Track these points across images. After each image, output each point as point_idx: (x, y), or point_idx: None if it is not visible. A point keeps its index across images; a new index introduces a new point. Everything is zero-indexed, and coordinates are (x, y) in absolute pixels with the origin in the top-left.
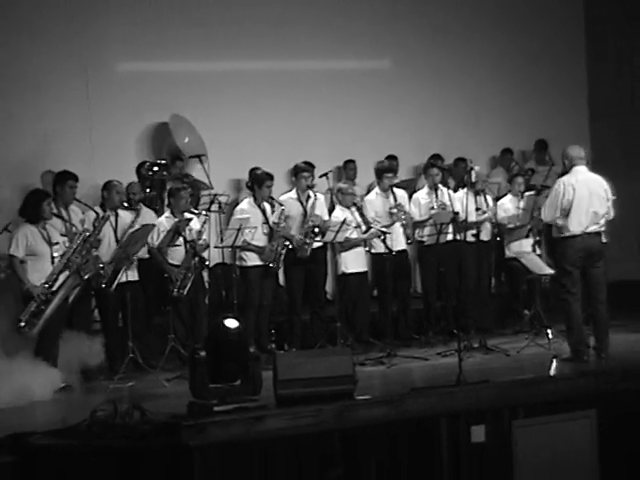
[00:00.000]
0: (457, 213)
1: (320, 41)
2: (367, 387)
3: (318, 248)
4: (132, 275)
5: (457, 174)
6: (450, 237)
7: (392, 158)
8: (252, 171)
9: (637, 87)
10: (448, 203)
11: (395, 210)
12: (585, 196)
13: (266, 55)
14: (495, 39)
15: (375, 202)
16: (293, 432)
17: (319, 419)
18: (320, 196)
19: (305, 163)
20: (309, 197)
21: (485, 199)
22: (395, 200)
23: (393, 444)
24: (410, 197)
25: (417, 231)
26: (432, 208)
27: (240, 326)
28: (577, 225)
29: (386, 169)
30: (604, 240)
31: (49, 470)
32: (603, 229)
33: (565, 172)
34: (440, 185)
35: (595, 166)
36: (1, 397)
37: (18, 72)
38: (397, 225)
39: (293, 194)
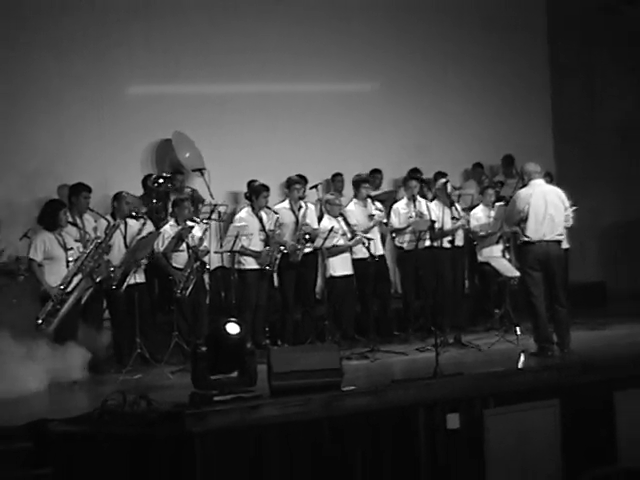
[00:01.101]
0: (434, 222)
1: (312, 67)
2: (353, 379)
3: (309, 253)
4: (140, 277)
5: (434, 186)
6: (428, 243)
7: (377, 172)
8: (250, 183)
9: (598, 107)
10: (425, 212)
11: (376, 212)
12: (541, 206)
13: (262, 79)
14: (468, 65)
15: (355, 211)
16: (285, 419)
17: (309, 408)
18: (310, 206)
19: (297, 176)
20: (301, 207)
21: (456, 208)
22: (374, 205)
23: (376, 431)
24: (390, 207)
25: (397, 238)
26: (410, 217)
27: (241, 331)
28: (534, 232)
29: (363, 180)
30: (566, 246)
31: (65, 454)
32: (562, 237)
33: (524, 185)
34: (418, 196)
35: (559, 180)
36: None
37: (42, 90)
38: (377, 232)
39: (286, 204)
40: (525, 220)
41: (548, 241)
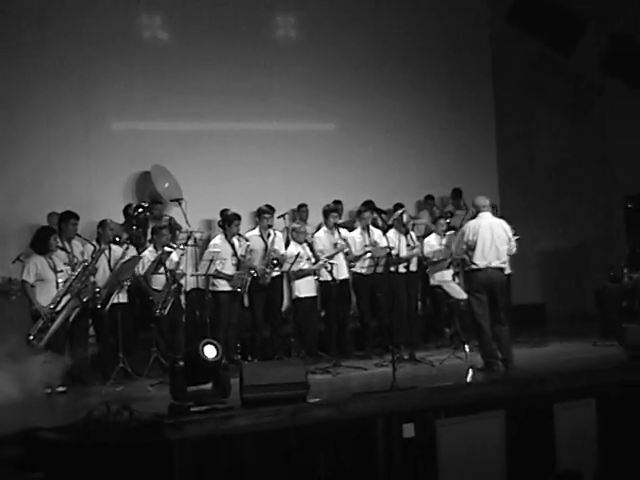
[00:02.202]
0: (392, 249)
1: (278, 108)
2: (317, 392)
3: (276, 276)
4: (123, 297)
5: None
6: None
7: (337, 202)
8: (223, 212)
9: (535, 151)
10: (378, 241)
11: (340, 241)
12: (488, 236)
13: (235, 118)
14: (420, 108)
15: (323, 238)
16: (256, 429)
17: (278, 418)
18: (278, 233)
19: (266, 206)
20: (269, 234)
21: (411, 237)
22: (339, 234)
23: (338, 439)
24: None
25: (357, 264)
26: (365, 245)
27: (217, 355)
28: (481, 259)
29: (331, 210)
30: (509, 272)
31: (54, 460)
32: (505, 265)
33: (474, 217)
34: (371, 226)
35: (502, 211)
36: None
37: (33, 124)
38: (342, 258)
39: (256, 231)
40: (473, 249)
41: (493, 268)
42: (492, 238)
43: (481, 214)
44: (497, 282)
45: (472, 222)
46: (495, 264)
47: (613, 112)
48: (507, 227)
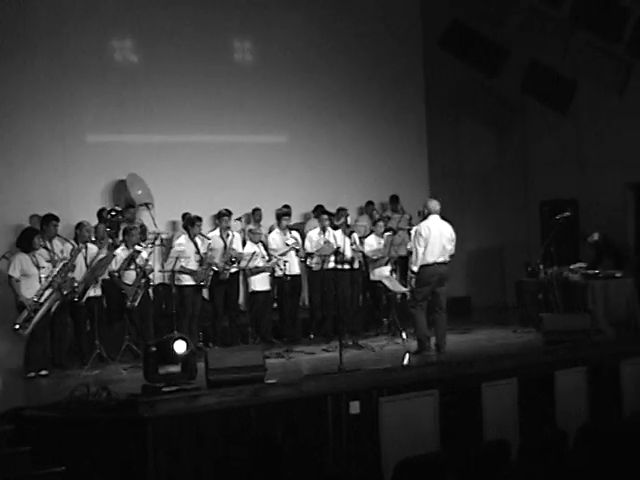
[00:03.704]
0: (339, 247)
1: (237, 122)
2: (273, 374)
3: (235, 272)
4: (97, 291)
5: (339, 219)
6: (332, 265)
7: (287, 207)
8: (184, 215)
9: (463, 160)
10: (332, 241)
11: (291, 241)
12: (437, 236)
13: (198, 131)
14: (362, 123)
15: (276, 238)
16: (220, 407)
17: (239, 397)
18: (236, 234)
19: (225, 210)
20: (228, 235)
21: (354, 239)
22: (291, 234)
23: (293, 416)
24: (302, 236)
25: (308, 260)
26: (321, 242)
27: (187, 349)
28: (431, 256)
29: (284, 214)
30: None
31: (41, 435)
32: (448, 260)
33: (425, 218)
34: (328, 227)
35: None
36: None
37: (15, 140)
38: (293, 256)
39: (217, 232)
40: (425, 247)
41: (439, 263)
42: (440, 238)
43: (431, 216)
44: (443, 274)
45: (424, 223)
46: (441, 260)
47: (532, 127)
48: (451, 230)
